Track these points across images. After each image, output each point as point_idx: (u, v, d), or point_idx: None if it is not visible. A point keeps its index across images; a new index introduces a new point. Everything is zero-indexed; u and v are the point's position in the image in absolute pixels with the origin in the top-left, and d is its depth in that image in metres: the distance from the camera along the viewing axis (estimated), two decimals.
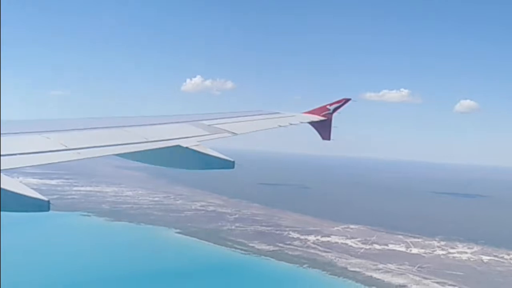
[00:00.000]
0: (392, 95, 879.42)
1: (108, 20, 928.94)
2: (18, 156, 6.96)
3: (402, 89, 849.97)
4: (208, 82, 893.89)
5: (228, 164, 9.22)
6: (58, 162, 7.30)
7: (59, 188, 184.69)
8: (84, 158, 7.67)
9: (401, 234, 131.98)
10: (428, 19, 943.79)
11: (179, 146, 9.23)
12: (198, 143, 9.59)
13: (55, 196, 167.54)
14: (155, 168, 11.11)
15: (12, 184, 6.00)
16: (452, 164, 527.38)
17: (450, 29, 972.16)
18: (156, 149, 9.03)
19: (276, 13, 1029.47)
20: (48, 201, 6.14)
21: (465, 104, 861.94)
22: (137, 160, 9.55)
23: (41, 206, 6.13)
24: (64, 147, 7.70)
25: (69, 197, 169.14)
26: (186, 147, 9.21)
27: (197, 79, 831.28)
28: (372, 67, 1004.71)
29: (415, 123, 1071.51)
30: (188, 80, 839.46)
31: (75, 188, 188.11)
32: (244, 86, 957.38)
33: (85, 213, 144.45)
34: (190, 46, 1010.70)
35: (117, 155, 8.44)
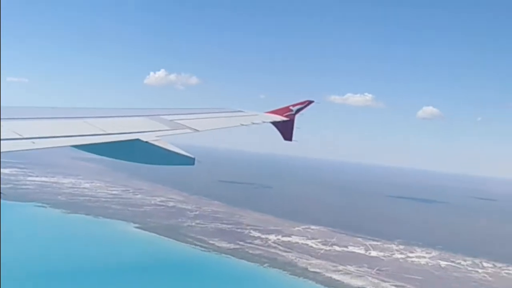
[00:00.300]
0: (356, 99, 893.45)
1: (73, 9, 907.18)
2: None
3: (366, 94, 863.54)
4: (172, 76, 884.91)
5: (188, 161, 9.02)
6: (11, 151, 6.81)
7: (12, 178, 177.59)
8: (39, 148, 7.27)
9: (361, 237, 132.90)
10: (394, 26, 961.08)
11: (138, 140, 9.04)
12: (158, 138, 9.42)
13: (8, 186, 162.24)
14: (114, 161, 9.99)
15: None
16: (411, 169, 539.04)
17: (415, 36, 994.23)
18: (115, 142, 8.82)
19: (245, 12, 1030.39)
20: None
21: (428, 110, 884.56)
22: (94, 153, 9.22)
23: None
24: (18, 136, 7.31)
25: (24, 187, 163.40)
26: (146, 142, 9.00)
27: (161, 72, 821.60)
28: (337, 70, 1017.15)
29: (377, 127, 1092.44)
30: (151, 73, 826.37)
31: (29, 178, 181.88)
32: (209, 82, 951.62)
33: (40, 204, 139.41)
34: (155, 40, 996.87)
35: (74, 146, 8.19)
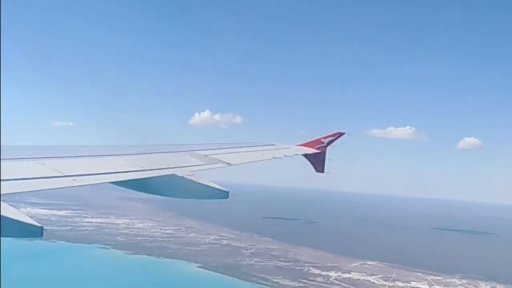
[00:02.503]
0: (398, 132, 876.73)
1: (117, 53, 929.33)
2: (11, 181, 6.78)
3: (408, 127, 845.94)
4: (217, 116, 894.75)
5: (222, 195, 9.29)
6: (53, 189, 7.18)
7: (69, 219, 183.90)
8: (79, 185, 7.57)
9: (420, 272, 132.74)
10: (435, 53, 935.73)
11: (174, 175, 9.25)
12: (193, 172, 9.62)
13: (68, 227, 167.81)
14: (159, 199, 10.19)
15: (7, 210, 5.95)
16: (454, 200, 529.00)
17: (455, 65, 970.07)
18: (151, 177, 8.96)
19: (284, 47, 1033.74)
20: (41, 227, 6.01)
21: (469, 141, 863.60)
22: (133, 188, 9.37)
23: (35, 232, 6.00)
24: (59, 174, 7.55)
25: (82, 228, 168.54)
26: (182, 176, 9.22)
27: (206, 113, 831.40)
28: (378, 103, 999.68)
29: (418, 159, 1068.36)
30: (196, 114, 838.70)
31: (85, 220, 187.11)
32: (252, 120, 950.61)
33: (102, 246, 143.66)
34: (200, 81, 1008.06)
35: (113, 183, 8.38)
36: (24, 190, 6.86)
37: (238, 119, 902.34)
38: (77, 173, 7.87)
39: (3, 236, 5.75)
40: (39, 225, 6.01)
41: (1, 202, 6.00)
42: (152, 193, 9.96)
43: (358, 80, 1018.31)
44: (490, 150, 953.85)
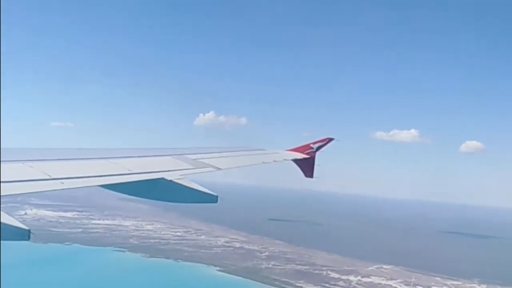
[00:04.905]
0: (403, 135, 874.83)
1: (119, 54, 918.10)
2: None
3: (412, 130, 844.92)
4: (221, 118, 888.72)
5: (211, 198, 9.27)
6: (41, 192, 7.26)
7: (78, 221, 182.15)
8: (67, 188, 7.52)
9: (438, 276, 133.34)
10: (439, 56, 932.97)
11: (163, 179, 9.26)
12: (182, 176, 9.61)
13: (79, 230, 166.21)
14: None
15: None
16: (457, 204, 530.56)
17: (459, 68, 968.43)
18: (140, 181, 9.02)
19: (289, 49, 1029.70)
20: (29, 230, 6.02)
21: (471, 144, 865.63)
22: (121, 192, 9.36)
23: (22, 235, 6.02)
24: (47, 177, 7.56)
25: (93, 230, 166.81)
26: (170, 180, 9.22)
27: (211, 114, 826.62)
28: (382, 105, 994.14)
29: (422, 163, 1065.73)
30: (201, 115, 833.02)
31: (93, 222, 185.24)
32: (256, 122, 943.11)
33: (118, 249, 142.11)
34: (205, 82, 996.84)
35: (101, 186, 8.34)
36: (11, 193, 6.65)
37: (243, 121, 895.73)
38: (65, 176, 7.85)
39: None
40: (27, 228, 6.01)
41: None
42: (141, 197, 9.98)
43: (363, 82, 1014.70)
44: (492, 153, 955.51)
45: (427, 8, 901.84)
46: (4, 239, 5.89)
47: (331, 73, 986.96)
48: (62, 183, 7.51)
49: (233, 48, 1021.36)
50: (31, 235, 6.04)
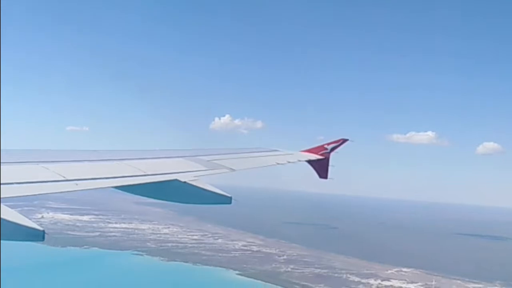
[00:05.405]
0: (420, 137, 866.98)
1: (136, 59, 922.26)
2: (13, 185, 6.74)
3: (429, 132, 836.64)
4: (237, 121, 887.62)
5: (225, 200, 9.21)
6: (55, 193, 7.37)
7: (94, 225, 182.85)
8: (81, 190, 7.55)
9: (459, 279, 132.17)
10: (456, 58, 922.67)
11: (176, 180, 9.25)
12: (196, 178, 9.60)
13: (96, 233, 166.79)
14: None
15: (9, 214, 5.92)
16: (472, 205, 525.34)
17: (476, 69, 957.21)
18: (154, 182, 8.96)
19: (304, 52, 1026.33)
20: (43, 231, 6.00)
21: (488, 145, 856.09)
22: (135, 193, 9.36)
23: (37, 236, 6.01)
24: (62, 178, 7.56)
25: (111, 234, 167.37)
26: (184, 182, 9.21)
27: (226, 118, 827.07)
28: (399, 107, 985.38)
29: (439, 165, 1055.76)
30: (216, 118, 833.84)
31: (110, 225, 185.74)
32: (272, 125, 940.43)
33: (137, 252, 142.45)
34: (221, 86, 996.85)
35: (116, 187, 8.35)
36: (26, 194, 6.69)
37: (259, 124, 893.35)
38: (80, 177, 7.87)
39: (4, 240, 5.80)
40: (41, 228, 6.00)
41: (1, 205, 5.92)
42: (155, 198, 9.92)
43: (379, 85, 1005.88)
44: (510, 154, 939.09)
45: (446, 9, 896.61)
46: (19, 240, 5.96)
47: (347, 76, 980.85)
48: (77, 184, 7.56)
49: (249, 52, 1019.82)
50: (47, 237, 6.05)
